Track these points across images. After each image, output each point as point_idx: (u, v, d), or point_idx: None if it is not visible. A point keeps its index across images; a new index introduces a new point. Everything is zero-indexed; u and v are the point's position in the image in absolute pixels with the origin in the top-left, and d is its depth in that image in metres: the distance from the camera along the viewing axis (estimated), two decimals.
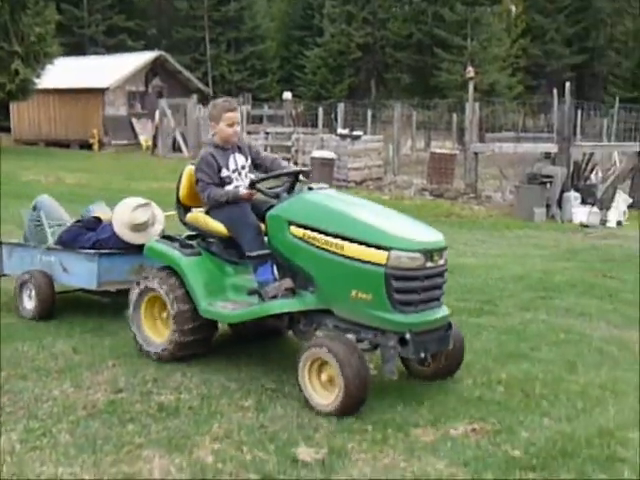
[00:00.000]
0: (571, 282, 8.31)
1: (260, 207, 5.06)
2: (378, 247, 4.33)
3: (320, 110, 26.84)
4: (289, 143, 21.73)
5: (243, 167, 5.30)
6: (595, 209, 14.84)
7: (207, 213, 5.23)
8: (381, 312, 4.36)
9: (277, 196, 4.94)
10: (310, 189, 4.91)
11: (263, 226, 4.96)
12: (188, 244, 5.25)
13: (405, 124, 24.13)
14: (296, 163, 20.11)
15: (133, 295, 5.35)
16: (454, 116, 31.91)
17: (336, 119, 24.53)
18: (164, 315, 5.28)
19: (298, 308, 4.71)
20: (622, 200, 15.41)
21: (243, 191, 5.08)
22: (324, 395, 4.37)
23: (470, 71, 19.17)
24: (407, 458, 3.82)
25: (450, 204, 16.63)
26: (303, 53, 49.78)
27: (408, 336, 4.31)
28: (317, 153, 19.01)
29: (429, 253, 4.41)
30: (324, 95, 45.13)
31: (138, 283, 5.34)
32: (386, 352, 4.39)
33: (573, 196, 15.18)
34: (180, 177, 5.40)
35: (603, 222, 14.45)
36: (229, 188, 5.18)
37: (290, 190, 5.05)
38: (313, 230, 4.58)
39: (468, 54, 42.59)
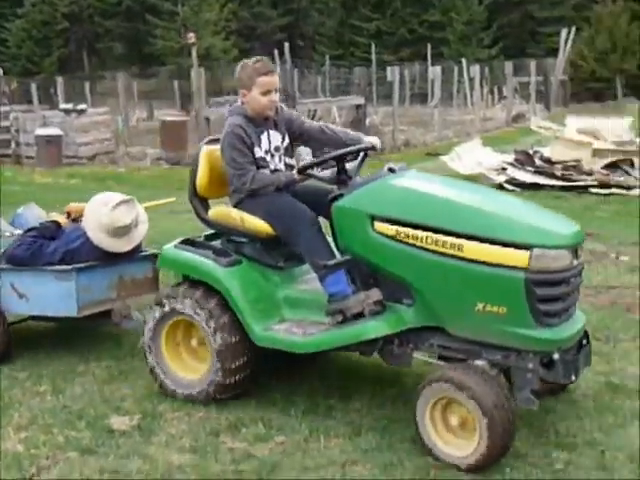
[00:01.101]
0: None
1: (307, 195, 3.95)
2: (514, 245, 3.27)
3: (33, 86, 25.37)
4: (7, 123, 20.34)
5: (277, 149, 4.07)
6: None
7: (236, 206, 4.03)
8: (520, 328, 3.31)
9: (341, 181, 3.75)
10: (391, 170, 3.79)
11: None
12: (222, 250, 4.06)
13: (127, 94, 23.58)
14: (18, 143, 18.98)
15: (151, 319, 4.16)
16: (175, 83, 31.82)
17: (56, 94, 23.34)
18: (193, 342, 4.18)
19: (400, 328, 3.59)
20: None
21: (295, 172, 3.88)
22: (457, 444, 3.38)
23: (191, 37, 19.26)
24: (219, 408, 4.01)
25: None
26: (4, 26, 46.41)
27: (556, 356, 3.37)
28: (41, 131, 18.03)
29: (574, 248, 3.42)
30: (33, 70, 42.60)
31: (160, 304, 4.10)
32: (522, 377, 3.37)
33: (305, 151, 16.03)
34: (196, 161, 4.17)
35: None
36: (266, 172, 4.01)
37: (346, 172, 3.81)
38: (411, 226, 3.46)
39: (180, 20, 42.44)
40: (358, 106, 18.63)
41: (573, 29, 33.90)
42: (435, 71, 23.83)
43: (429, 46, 37.14)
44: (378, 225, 3.53)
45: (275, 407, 4.00)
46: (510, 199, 3.90)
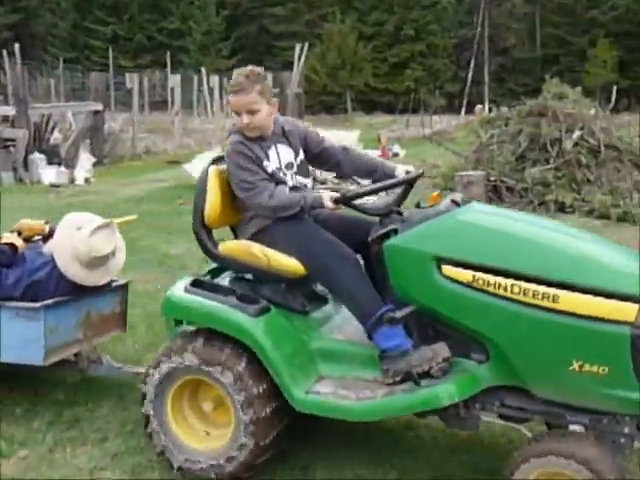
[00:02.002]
0: None
1: (341, 228, 3.41)
2: (620, 297, 2.83)
3: None
4: None
5: (289, 166, 3.48)
6: (62, 169, 15.23)
7: (254, 237, 3.40)
8: (621, 390, 2.88)
9: (387, 213, 3.23)
10: (455, 204, 3.24)
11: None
12: (246, 294, 3.34)
13: None
14: None
15: (154, 379, 3.33)
16: None
17: None
18: (205, 406, 3.43)
19: (475, 391, 3.08)
20: (86, 158, 16.08)
21: (327, 195, 3.24)
22: None
23: None
24: None
25: None
26: None
27: None
28: None
29: None
30: None
31: (167, 356, 3.30)
32: (615, 442, 3.04)
33: (38, 157, 15.32)
34: (202, 184, 3.43)
35: (72, 180, 14.91)
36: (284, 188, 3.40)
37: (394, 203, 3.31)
38: (491, 272, 2.95)
39: None
40: (96, 112, 18.11)
41: (306, 45, 35.64)
42: (175, 79, 23.83)
43: (168, 54, 37.07)
44: (447, 269, 3.00)
45: (17, 422, 3.86)
46: (598, 238, 3.35)
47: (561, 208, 10.45)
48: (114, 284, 4.24)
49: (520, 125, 11.78)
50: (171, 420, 3.35)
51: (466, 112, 37.70)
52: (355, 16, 48.08)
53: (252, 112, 3.34)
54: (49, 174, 14.98)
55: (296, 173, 3.47)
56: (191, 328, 3.39)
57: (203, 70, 27.54)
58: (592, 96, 14.62)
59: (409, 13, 47.56)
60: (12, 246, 4.04)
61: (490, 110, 20.75)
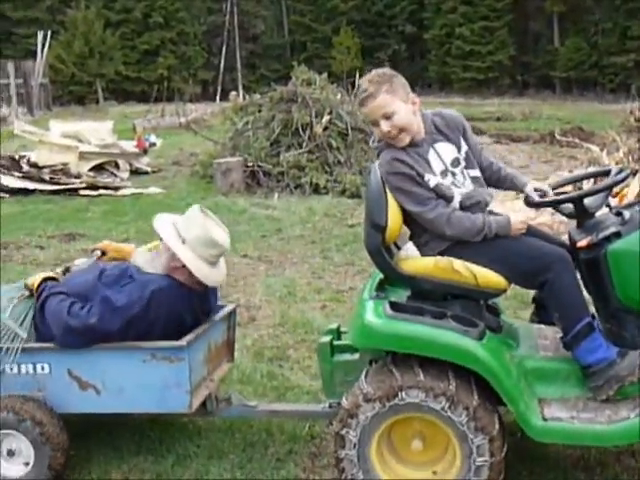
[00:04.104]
0: None
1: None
2: None
3: None
4: None
5: (456, 162, 3.10)
6: None
7: (442, 253, 3.02)
8: None
9: (618, 214, 2.98)
10: None
11: None
12: (459, 316, 2.93)
13: None
14: None
15: (360, 420, 2.87)
16: None
17: None
18: (415, 444, 2.95)
19: None
20: None
21: (515, 220, 2.99)
22: None
23: None
24: None
25: None
26: None
27: None
28: None
29: None
30: None
31: (377, 393, 2.83)
32: None
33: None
34: (377, 196, 3.01)
35: None
36: (455, 205, 3.02)
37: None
38: None
39: None
40: None
41: (49, 32, 33.87)
42: None
43: None
44: None
45: None
46: None
47: (316, 189, 10.95)
48: (224, 310, 3.75)
49: (273, 111, 12.14)
50: (376, 465, 2.97)
51: (221, 99, 37.97)
52: (100, 2, 46.36)
53: (388, 116, 3.00)
54: None
55: (465, 167, 3.12)
56: (386, 360, 2.97)
57: None
58: (339, 81, 15.36)
59: (157, 0, 46.77)
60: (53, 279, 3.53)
61: (244, 97, 21.10)
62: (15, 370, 3.26)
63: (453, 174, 3.07)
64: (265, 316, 5.53)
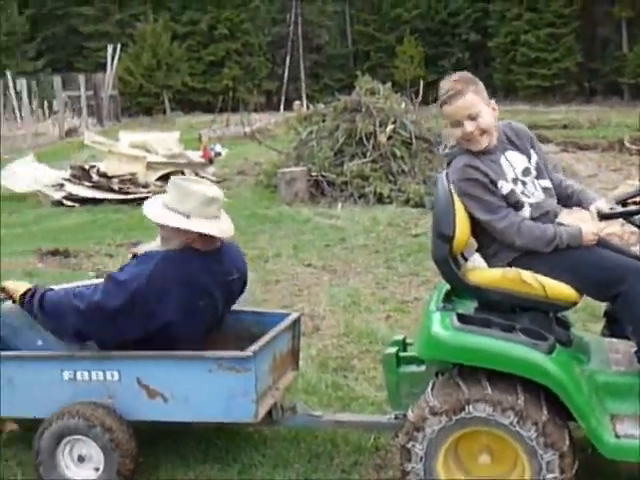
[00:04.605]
0: None
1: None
2: None
3: None
4: None
5: (527, 172, 3.07)
6: None
7: (510, 264, 2.99)
8: None
9: None
10: None
11: None
12: (528, 328, 2.88)
13: None
14: None
15: (426, 433, 2.84)
16: None
17: None
18: (481, 460, 2.90)
19: None
20: None
21: (587, 231, 2.93)
22: None
23: None
24: None
25: None
26: None
27: None
28: None
29: None
30: None
31: (444, 406, 2.81)
32: None
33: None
34: (446, 203, 2.98)
35: None
36: (525, 214, 2.99)
37: None
38: None
39: None
40: None
41: (119, 45, 34.76)
42: None
43: None
44: None
45: None
46: None
47: (380, 199, 10.92)
48: (289, 318, 3.76)
49: (337, 121, 12.17)
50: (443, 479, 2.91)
51: (285, 109, 38.33)
52: (168, 15, 47.35)
53: (473, 117, 2.97)
54: None
55: (536, 177, 3.08)
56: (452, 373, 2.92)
57: (8, 73, 26.15)
58: (402, 90, 15.32)
59: (222, 12, 47.48)
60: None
61: (308, 106, 21.22)
62: (86, 377, 3.31)
63: (524, 183, 3.03)
64: (329, 326, 5.53)
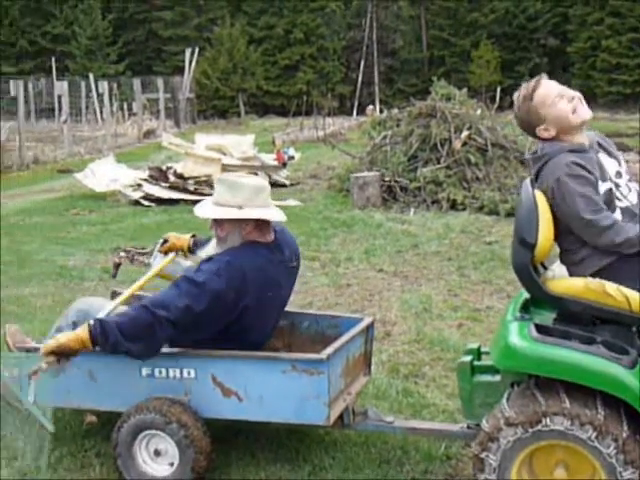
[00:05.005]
0: None
1: None
2: None
3: None
4: None
5: (619, 174, 3.03)
6: None
7: (594, 275, 2.91)
8: None
9: None
10: None
11: None
12: (609, 342, 2.82)
13: None
14: None
15: (501, 442, 2.80)
16: None
17: None
18: (557, 474, 2.83)
19: None
20: None
21: None
22: None
23: None
24: None
25: None
26: None
27: None
28: None
29: None
30: None
31: (520, 418, 2.77)
32: None
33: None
34: (529, 211, 2.90)
35: None
36: (617, 215, 2.91)
37: None
38: None
39: None
40: None
41: (197, 49, 35.41)
42: (62, 86, 23.15)
43: (53, 59, 36.04)
44: None
45: None
46: None
47: (453, 206, 10.82)
48: (362, 323, 3.77)
49: (411, 126, 12.12)
50: None
51: (358, 113, 38.33)
52: (245, 20, 48.02)
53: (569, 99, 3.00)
54: None
55: (629, 180, 3.03)
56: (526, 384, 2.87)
57: (91, 76, 26.92)
58: (478, 96, 15.16)
59: (298, 17, 47.87)
60: None
61: (381, 111, 21.19)
62: (163, 374, 3.38)
63: (617, 185, 2.96)
64: (400, 332, 5.51)
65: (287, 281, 3.60)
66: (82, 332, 3.18)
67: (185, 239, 4.02)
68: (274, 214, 3.47)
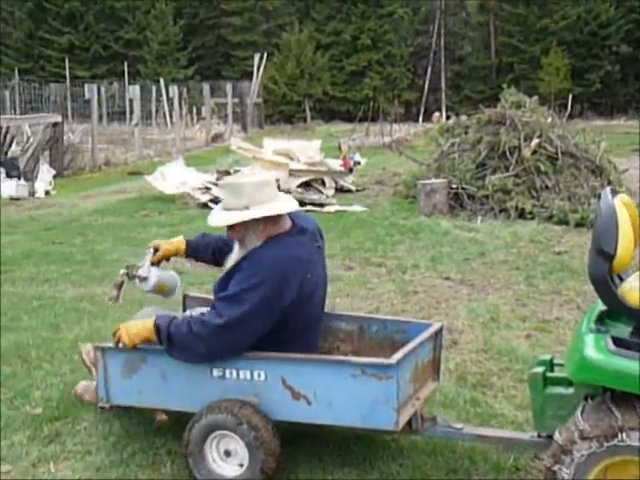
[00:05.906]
0: (25, 253, 8.55)
1: None
2: None
3: None
4: None
5: None
6: (22, 182, 15.05)
7: None
8: None
9: None
10: None
11: None
12: None
13: None
14: None
15: (574, 456, 2.78)
16: None
17: None
18: None
19: None
20: (46, 170, 15.94)
21: None
22: None
23: None
24: None
25: None
26: None
27: None
28: None
29: None
30: None
31: (598, 435, 2.75)
32: None
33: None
34: (607, 221, 2.86)
35: (32, 193, 14.75)
36: None
37: None
38: None
39: None
40: (55, 124, 17.94)
41: (265, 54, 35.80)
42: (134, 90, 23.71)
43: (125, 64, 36.91)
44: None
45: None
46: None
47: (521, 214, 10.66)
48: (431, 328, 3.77)
49: (480, 133, 12.00)
50: None
51: (424, 120, 38.13)
52: (313, 26, 48.33)
53: None
54: (8, 187, 14.77)
55: None
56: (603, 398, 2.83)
57: (162, 81, 27.48)
58: (547, 103, 14.93)
59: (366, 23, 47.93)
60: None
61: (448, 117, 21.04)
62: (234, 375, 3.42)
63: None
64: (468, 341, 5.46)
65: (319, 260, 3.62)
66: (149, 321, 3.43)
67: (178, 243, 4.02)
68: (282, 206, 3.47)
